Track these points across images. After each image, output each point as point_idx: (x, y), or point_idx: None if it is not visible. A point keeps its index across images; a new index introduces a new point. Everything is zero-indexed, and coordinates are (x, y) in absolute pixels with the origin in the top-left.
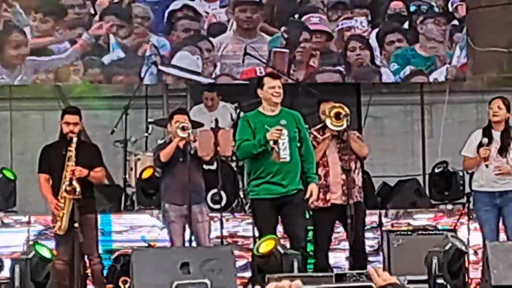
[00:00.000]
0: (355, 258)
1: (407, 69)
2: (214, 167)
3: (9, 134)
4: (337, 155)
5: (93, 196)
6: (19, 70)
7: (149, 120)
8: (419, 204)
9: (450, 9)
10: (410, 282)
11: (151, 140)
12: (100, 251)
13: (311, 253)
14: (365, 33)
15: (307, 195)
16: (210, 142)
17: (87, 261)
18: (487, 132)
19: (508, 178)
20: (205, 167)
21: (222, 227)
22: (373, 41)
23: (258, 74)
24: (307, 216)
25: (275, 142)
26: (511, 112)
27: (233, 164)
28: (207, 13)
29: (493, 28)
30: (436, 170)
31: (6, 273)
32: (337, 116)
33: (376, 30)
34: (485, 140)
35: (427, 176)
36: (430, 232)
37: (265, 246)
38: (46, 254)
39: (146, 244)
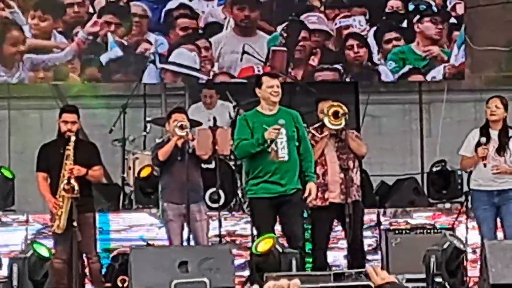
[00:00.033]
0: (353, 257)
1: (404, 68)
2: (212, 166)
3: (7, 133)
4: (335, 154)
5: (91, 194)
6: (17, 68)
7: (147, 119)
8: (418, 203)
9: (449, 7)
10: (408, 280)
11: (149, 139)
12: (99, 250)
13: (309, 251)
14: (363, 32)
15: (306, 194)
16: (208, 141)
17: (85, 260)
18: (484, 131)
19: (506, 177)
20: (203, 166)
21: (220, 225)
22: (371, 40)
23: (256, 72)
24: (305, 215)
25: (273, 141)
26: (509, 111)
27: (231, 163)
28: (204, 11)
29: (492, 27)
30: (434, 169)
31: (4, 272)
32: (335, 114)
33: (374, 28)
34: (483, 140)
35: (425, 175)
36: (428, 230)
37: (264, 244)
38: (44, 253)
39: (144, 243)
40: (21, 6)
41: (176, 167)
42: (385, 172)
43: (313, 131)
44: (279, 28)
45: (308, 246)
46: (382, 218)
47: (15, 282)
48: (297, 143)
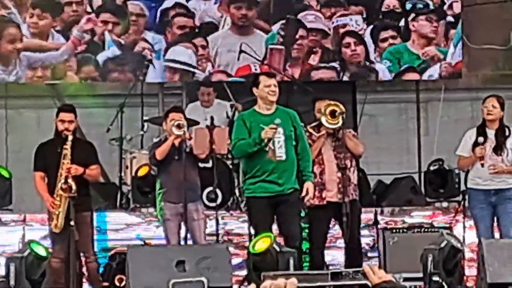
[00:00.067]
0: (350, 256)
1: (399, 66)
2: (209, 165)
3: (4, 132)
4: (332, 153)
5: (88, 194)
6: (13, 65)
7: (145, 118)
8: (415, 201)
9: (445, 6)
10: (405, 279)
11: (147, 138)
12: (96, 249)
13: (306, 251)
14: (360, 31)
15: (303, 193)
16: (206, 140)
17: (83, 259)
18: (481, 130)
19: (503, 177)
20: (201, 165)
21: (217, 225)
22: (367, 38)
23: (253, 71)
24: (303, 214)
25: (270, 140)
26: (505, 110)
27: (229, 162)
28: (201, 10)
29: (488, 25)
30: (432, 168)
31: (1, 271)
32: (333, 114)
33: (371, 27)
34: (481, 139)
35: (422, 174)
36: (426, 229)
37: (261, 244)
38: (42, 252)
39: (141, 242)
40: (18, 6)
41: (174, 166)
42: (382, 171)
43: (310, 130)
44: (276, 27)
45: (306, 245)
46: (379, 217)
47: (12, 282)
48: (294, 143)
